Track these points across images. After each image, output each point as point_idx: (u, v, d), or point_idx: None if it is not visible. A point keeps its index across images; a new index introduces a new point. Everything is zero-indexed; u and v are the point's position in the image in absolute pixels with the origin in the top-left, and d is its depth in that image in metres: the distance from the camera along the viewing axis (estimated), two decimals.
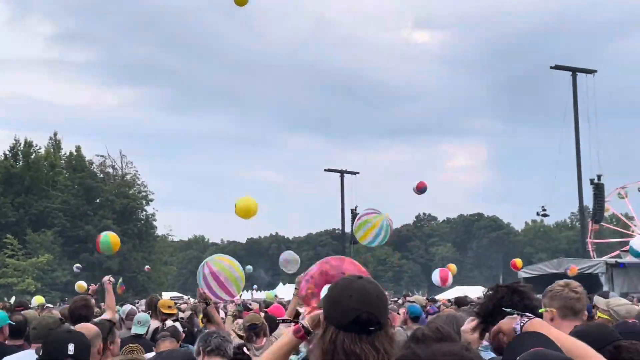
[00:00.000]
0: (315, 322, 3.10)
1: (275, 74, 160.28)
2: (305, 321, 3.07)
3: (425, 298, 19.23)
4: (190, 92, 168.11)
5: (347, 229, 50.47)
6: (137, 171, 76.46)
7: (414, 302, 12.03)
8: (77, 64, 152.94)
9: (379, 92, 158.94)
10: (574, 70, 36.20)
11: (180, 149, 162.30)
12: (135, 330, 7.97)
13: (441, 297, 36.04)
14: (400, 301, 20.35)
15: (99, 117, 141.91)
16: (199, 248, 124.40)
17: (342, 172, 50.58)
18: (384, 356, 2.49)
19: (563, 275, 29.42)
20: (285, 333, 3.16)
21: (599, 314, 5.82)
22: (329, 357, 2.51)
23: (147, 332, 8.14)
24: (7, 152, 69.20)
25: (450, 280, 22.73)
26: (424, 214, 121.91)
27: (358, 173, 50.67)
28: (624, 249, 49.48)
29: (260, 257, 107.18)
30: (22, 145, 69.60)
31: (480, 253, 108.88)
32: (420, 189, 21.77)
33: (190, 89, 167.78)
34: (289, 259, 18.27)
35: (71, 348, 3.48)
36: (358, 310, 2.50)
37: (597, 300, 6.44)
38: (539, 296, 4.17)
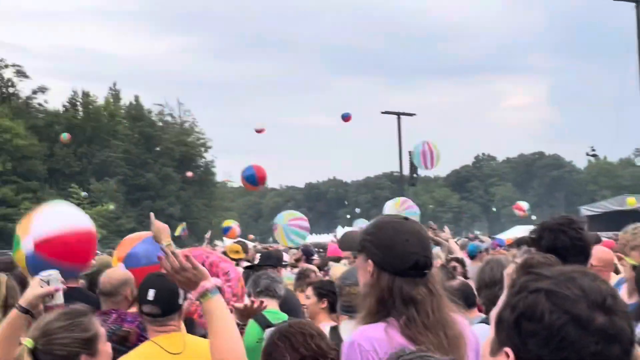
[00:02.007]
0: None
1: (328, 17, 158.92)
2: None
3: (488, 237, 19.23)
4: (242, 38, 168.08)
5: (405, 172, 50.25)
6: (194, 119, 77.23)
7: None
8: (130, 13, 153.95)
9: (433, 32, 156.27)
10: (638, 1, 34.79)
11: (236, 95, 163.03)
12: None
13: (503, 237, 35.68)
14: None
15: (155, 66, 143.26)
16: (258, 194, 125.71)
17: (398, 114, 50.03)
18: (437, 298, 2.39)
19: (627, 212, 28.81)
20: None
21: None
22: (383, 306, 2.38)
23: None
24: (67, 104, 70.74)
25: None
26: (483, 154, 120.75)
27: (415, 114, 50.15)
28: None
29: (319, 201, 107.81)
30: (79, 96, 71.00)
31: (542, 192, 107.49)
32: None
33: (242, 35, 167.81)
34: None
35: (151, 294, 3.42)
36: (416, 254, 2.39)
37: None
38: (603, 234, 4.08)
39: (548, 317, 1.36)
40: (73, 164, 65.37)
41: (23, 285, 5.94)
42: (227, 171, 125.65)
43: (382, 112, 52.24)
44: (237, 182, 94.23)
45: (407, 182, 49.35)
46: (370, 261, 2.43)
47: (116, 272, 4.30)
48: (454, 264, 8.69)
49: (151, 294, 3.37)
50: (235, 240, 15.29)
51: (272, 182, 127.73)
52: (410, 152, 46.54)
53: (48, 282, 2.77)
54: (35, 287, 2.75)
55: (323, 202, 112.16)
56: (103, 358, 2.39)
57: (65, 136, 27.94)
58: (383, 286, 2.36)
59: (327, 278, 6.92)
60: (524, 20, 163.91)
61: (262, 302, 3.57)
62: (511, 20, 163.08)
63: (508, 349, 1.38)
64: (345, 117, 25.76)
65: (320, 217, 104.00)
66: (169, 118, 76.54)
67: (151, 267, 4.60)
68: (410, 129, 48.38)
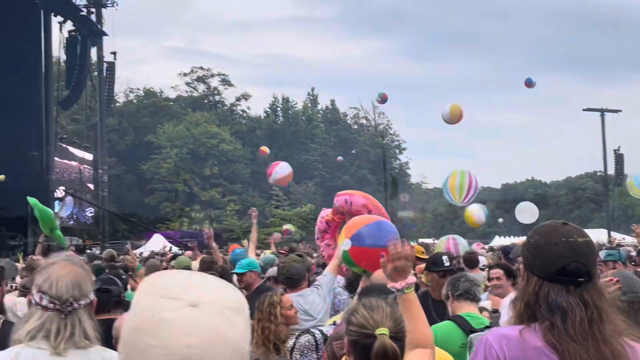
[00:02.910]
0: None
1: (522, 14, 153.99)
2: None
3: None
4: (436, 38, 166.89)
5: (610, 171, 47.75)
6: (389, 121, 77.93)
7: None
8: (326, 19, 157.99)
9: (637, 20, 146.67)
10: None
11: (429, 97, 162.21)
12: None
13: None
14: None
15: (349, 70, 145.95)
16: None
17: (602, 111, 47.62)
18: (594, 311, 2.22)
19: None
20: None
21: None
22: (531, 311, 2.29)
23: None
24: (268, 109, 74.03)
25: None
26: None
27: (620, 111, 47.50)
28: None
29: (516, 202, 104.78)
30: (280, 102, 74.04)
31: None
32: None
33: (435, 35, 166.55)
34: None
35: None
36: (565, 258, 2.26)
37: None
38: None
39: None
40: None
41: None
42: (422, 172, 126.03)
43: (584, 109, 50.00)
44: (431, 183, 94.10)
45: (613, 182, 46.74)
46: (521, 266, 2.45)
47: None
48: None
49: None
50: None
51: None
52: (614, 150, 44.10)
53: None
54: None
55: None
56: None
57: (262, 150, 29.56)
58: (530, 290, 2.30)
59: None
60: None
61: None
62: None
63: None
64: (529, 83, 24.50)
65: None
66: (363, 121, 77.78)
67: (374, 249, 4.97)
68: (615, 126, 45.71)
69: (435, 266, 6.35)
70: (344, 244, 5.06)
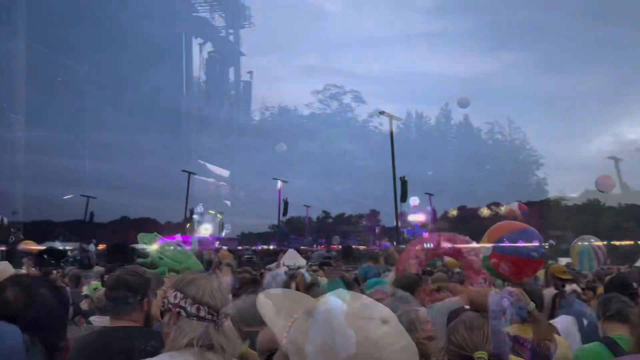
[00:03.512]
0: None
1: None
2: None
3: None
4: (571, 50, 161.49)
5: None
6: (525, 136, 76.17)
7: None
8: (459, 34, 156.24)
9: None
10: None
11: (568, 109, 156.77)
12: None
13: None
14: None
15: (483, 84, 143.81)
16: (594, 211, 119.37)
17: None
18: None
19: None
20: None
21: None
22: None
23: None
24: (401, 125, 74.28)
25: None
26: None
27: None
28: None
29: None
30: (413, 117, 74.07)
31: None
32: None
33: (571, 47, 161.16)
34: None
35: None
36: None
37: None
38: None
39: None
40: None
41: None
42: (560, 188, 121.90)
43: None
44: (571, 200, 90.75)
45: None
46: None
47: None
48: None
49: None
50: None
51: (610, 200, 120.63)
52: None
53: None
54: None
55: None
56: None
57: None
58: None
59: None
60: None
61: None
62: None
63: None
64: None
65: None
66: (499, 136, 76.36)
67: (515, 257, 4.86)
68: None
69: (623, 289, 5.88)
70: (486, 249, 4.99)
